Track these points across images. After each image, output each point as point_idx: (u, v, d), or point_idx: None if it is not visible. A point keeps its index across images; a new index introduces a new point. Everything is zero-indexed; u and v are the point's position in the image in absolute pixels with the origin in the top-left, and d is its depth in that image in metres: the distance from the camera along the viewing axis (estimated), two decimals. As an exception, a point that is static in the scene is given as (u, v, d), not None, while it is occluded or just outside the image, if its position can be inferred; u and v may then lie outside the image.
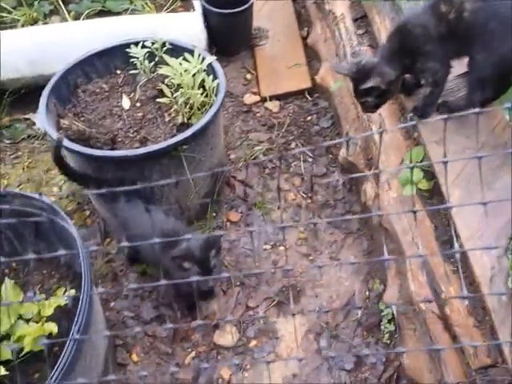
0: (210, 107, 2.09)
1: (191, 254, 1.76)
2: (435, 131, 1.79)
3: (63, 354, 1.41)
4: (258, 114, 2.70)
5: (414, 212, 0.82)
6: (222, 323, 2.00)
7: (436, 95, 1.80)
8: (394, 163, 1.87)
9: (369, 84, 1.74)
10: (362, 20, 2.44)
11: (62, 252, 0.94)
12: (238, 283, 2.12)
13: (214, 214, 2.31)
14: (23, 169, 2.55)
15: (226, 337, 1.99)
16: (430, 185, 1.72)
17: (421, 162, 1.68)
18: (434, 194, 1.73)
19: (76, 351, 1.45)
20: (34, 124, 2.71)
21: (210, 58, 2.16)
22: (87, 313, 1.52)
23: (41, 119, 2.07)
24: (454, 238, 1.40)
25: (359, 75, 1.77)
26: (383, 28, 2.17)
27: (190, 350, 1.97)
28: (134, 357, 1.95)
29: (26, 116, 2.74)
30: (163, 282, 0.92)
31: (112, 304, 2.07)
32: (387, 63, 1.76)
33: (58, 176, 2.47)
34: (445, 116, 0.80)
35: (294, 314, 0.86)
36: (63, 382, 1.33)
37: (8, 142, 2.68)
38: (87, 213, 2.37)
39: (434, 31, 1.70)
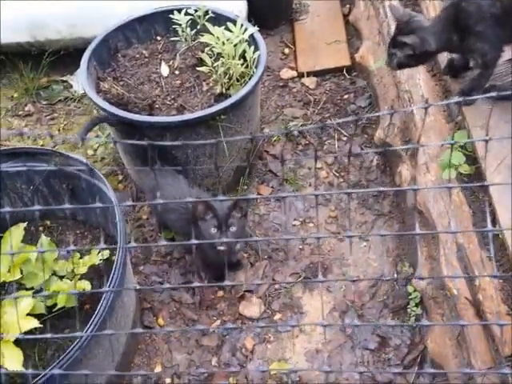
0: (250, 79, 2.07)
1: (213, 207, 1.78)
2: (480, 116, 1.75)
3: (98, 309, 1.44)
4: (294, 90, 2.67)
5: (483, 186, 0.79)
6: (248, 295, 2.02)
7: (485, 78, 1.75)
8: (435, 146, 1.84)
9: (406, 39, 1.71)
10: (408, -2, 2.38)
11: (98, 208, 0.95)
12: (266, 257, 2.13)
13: (245, 187, 2.31)
14: (59, 130, 2.58)
15: (252, 308, 2.00)
16: (472, 169, 1.69)
17: (464, 145, 1.65)
18: (474, 179, 1.70)
19: (109, 308, 1.48)
20: (71, 86, 2.73)
21: (253, 29, 2.14)
22: (121, 271, 1.54)
23: (81, 81, 2.08)
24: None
25: (405, 26, 1.73)
26: (432, 7, 2.11)
27: (215, 318, 1.99)
28: (161, 321, 1.98)
29: (64, 78, 2.75)
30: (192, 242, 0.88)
31: (141, 268, 2.10)
32: (434, 33, 1.71)
33: (92, 139, 2.49)
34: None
35: (354, 280, 0.85)
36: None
37: (45, 103, 2.70)
38: (120, 177, 2.39)
39: (487, 12, 1.65)
